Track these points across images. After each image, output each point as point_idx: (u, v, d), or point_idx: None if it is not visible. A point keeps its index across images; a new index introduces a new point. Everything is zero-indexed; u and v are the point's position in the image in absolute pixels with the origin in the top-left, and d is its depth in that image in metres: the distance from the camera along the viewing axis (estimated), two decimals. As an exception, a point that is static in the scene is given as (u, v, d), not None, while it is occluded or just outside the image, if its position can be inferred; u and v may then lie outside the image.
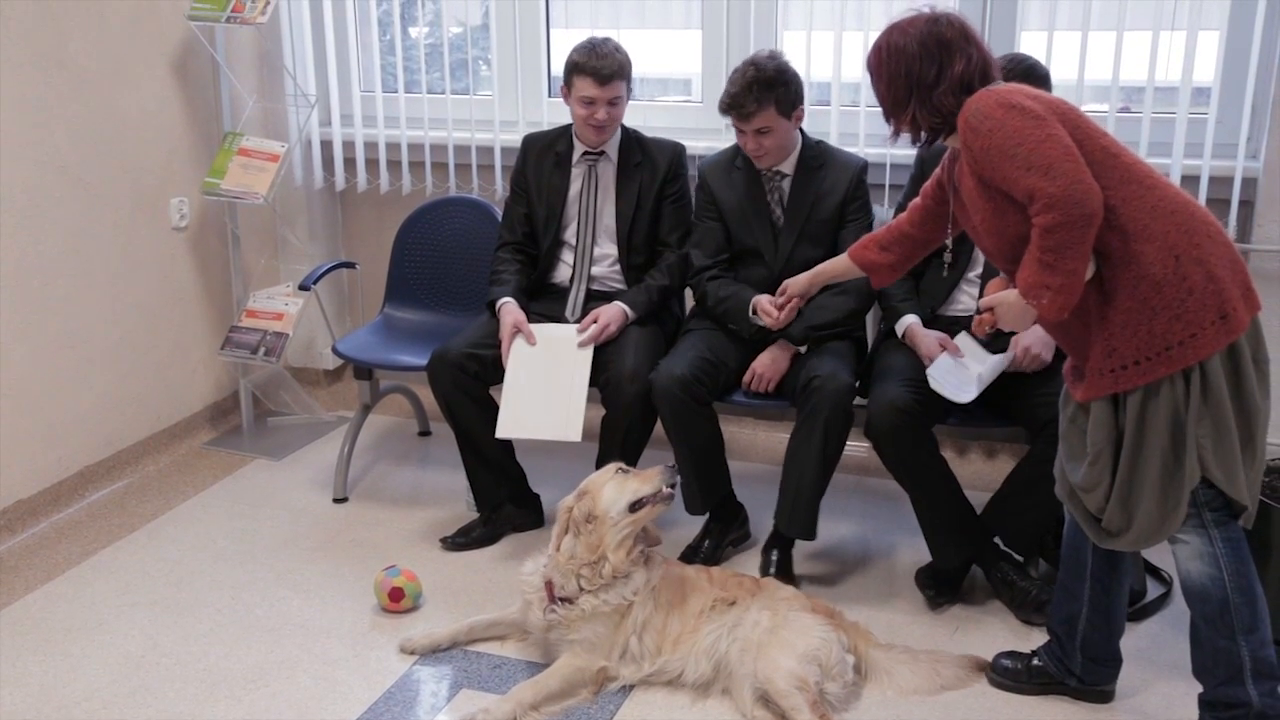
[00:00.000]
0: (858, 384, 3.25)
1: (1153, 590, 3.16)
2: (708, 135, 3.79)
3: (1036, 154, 2.20)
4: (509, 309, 3.40)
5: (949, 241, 2.69)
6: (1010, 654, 2.82)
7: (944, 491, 3.09)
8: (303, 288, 3.92)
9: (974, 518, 3.13)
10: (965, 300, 3.25)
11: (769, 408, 3.49)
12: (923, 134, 2.45)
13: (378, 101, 4.21)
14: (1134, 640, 2.89)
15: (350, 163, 4.31)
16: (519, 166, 3.59)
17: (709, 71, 3.95)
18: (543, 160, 3.54)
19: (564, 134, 3.53)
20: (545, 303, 3.54)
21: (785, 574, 3.20)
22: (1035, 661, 2.77)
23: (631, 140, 3.51)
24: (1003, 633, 3.02)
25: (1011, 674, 2.78)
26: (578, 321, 3.40)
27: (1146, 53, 3.42)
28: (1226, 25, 3.38)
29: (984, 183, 2.34)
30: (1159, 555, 3.20)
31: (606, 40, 3.38)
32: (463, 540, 3.48)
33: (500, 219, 3.72)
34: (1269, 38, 3.34)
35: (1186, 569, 2.40)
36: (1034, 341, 2.98)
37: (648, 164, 3.49)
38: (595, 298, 3.51)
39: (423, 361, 3.43)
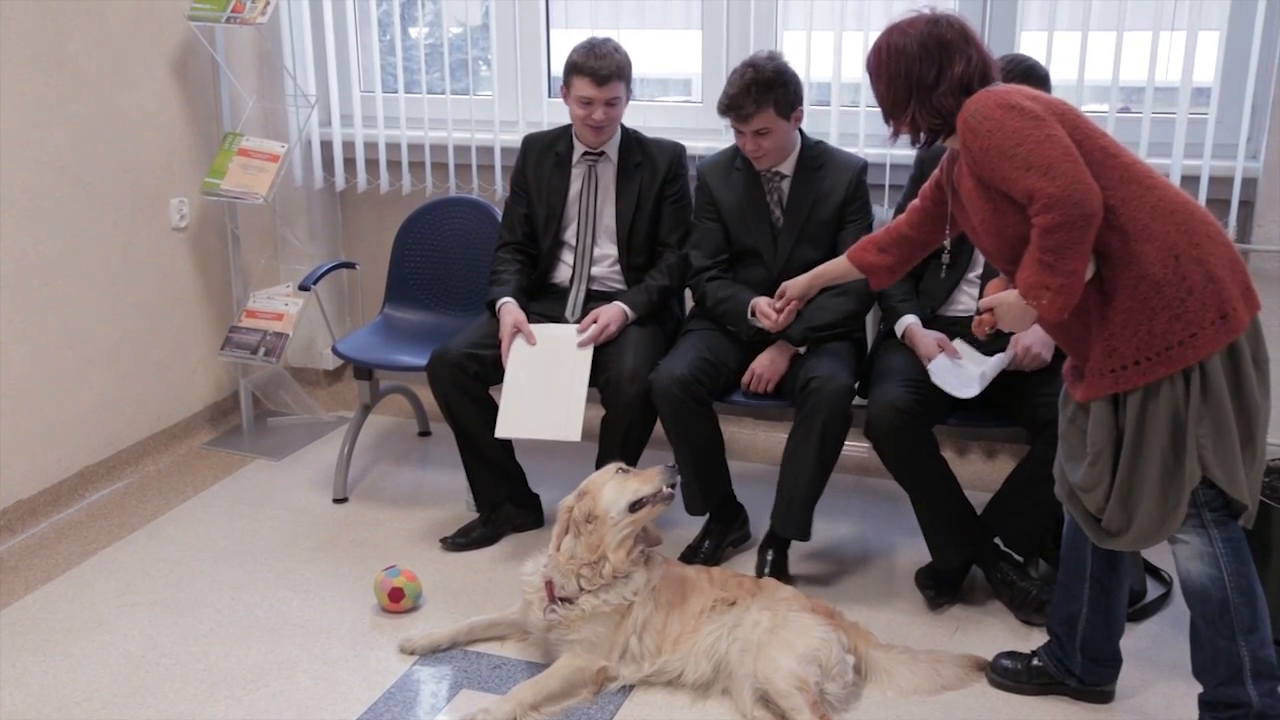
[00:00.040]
0: (857, 385, 3.25)
1: (1153, 590, 3.16)
2: (708, 135, 3.79)
3: (1036, 154, 2.20)
4: (509, 309, 3.40)
5: (947, 243, 2.69)
6: (1010, 654, 2.82)
7: (944, 492, 3.09)
8: (303, 288, 3.92)
9: (974, 518, 3.13)
10: (965, 301, 3.25)
11: (769, 408, 3.49)
12: (922, 135, 2.45)
13: (378, 102, 4.21)
14: (1134, 640, 2.89)
15: (350, 163, 4.31)
16: (519, 167, 3.59)
17: (709, 72, 3.95)
18: (543, 160, 3.54)
19: (564, 134, 3.53)
20: (545, 303, 3.54)
21: (780, 574, 3.20)
22: (1035, 662, 2.77)
23: (631, 140, 3.51)
24: (1002, 633, 3.02)
25: (1011, 674, 2.78)
26: (578, 322, 3.40)
27: (1146, 53, 3.42)
28: (1226, 25, 3.38)
29: (983, 183, 2.34)
30: (1159, 555, 3.20)
31: (606, 41, 3.38)
32: (463, 540, 3.48)
33: (500, 219, 3.72)
34: (1269, 38, 3.34)
35: (1186, 569, 2.40)
36: (1034, 341, 2.98)
37: (648, 164, 3.48)
38: (595, 298, 3.51)
39: (422, 362, 3.43)
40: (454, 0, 4.34)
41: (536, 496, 3.60)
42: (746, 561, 3.35)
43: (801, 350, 3.29)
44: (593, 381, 3.30)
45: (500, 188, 4.09)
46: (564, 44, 3.58)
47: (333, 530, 3.61)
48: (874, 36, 2.50)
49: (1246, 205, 3.43)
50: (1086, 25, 3.47)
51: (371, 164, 4.28)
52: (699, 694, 2.76)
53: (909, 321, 3.20)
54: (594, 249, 3.54)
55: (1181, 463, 2.28)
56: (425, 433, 4.35)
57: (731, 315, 3.30)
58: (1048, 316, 2.29)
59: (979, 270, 3.22)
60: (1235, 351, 2.26)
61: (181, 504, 3.79)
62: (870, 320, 3.56)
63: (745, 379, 3.29)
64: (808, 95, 3.45)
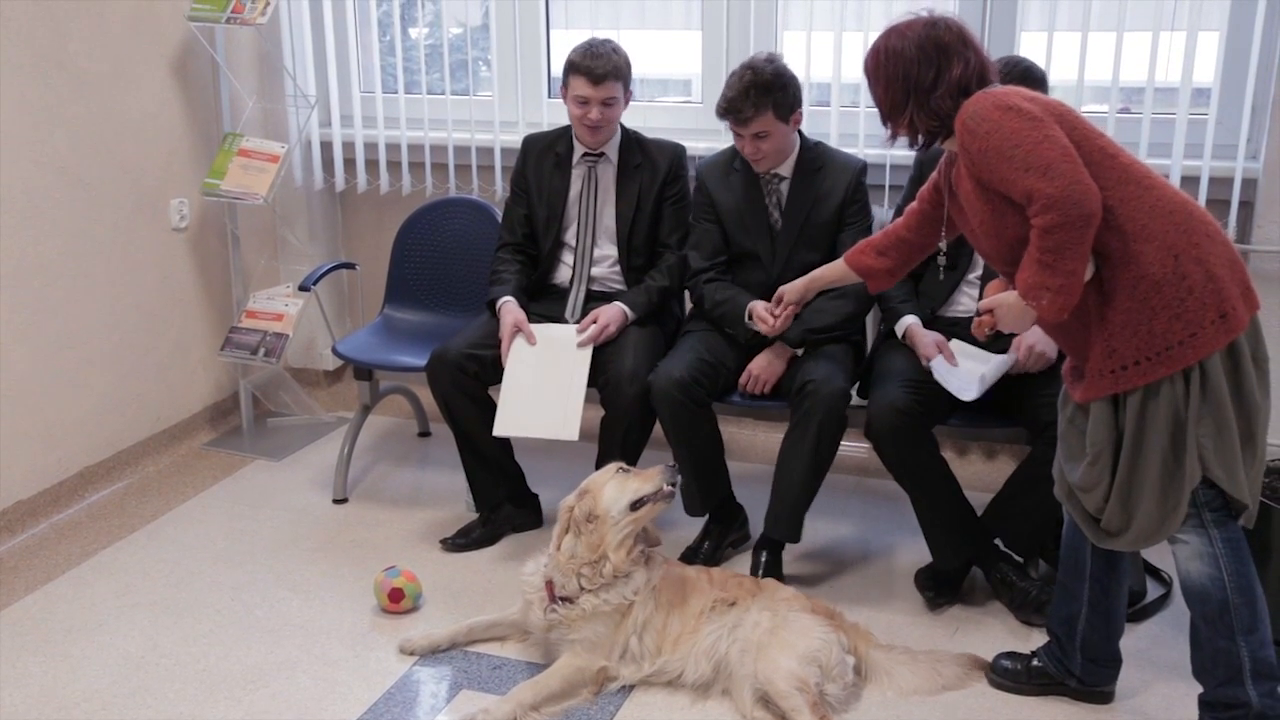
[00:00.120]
0: (856, 386, 3.25)
1: (1152, 591, 3.16)
2: (708, 136, 3.79)
3: (1034, 155, 2.20)
4: (509, 308, 3.40)
5: (943, 245, 2.69)
6: (1010, 655, 2.82)
7: (944, 492, 3.09)
8: (303, 288, 3.92)
9: (974, 518, 3.13)
10: (965, 302, 3.25)
11: (768, 408, 3.49)
12: (920, 137, 2.46)
13: (378, 102, 4.21)
14: (1134, 641, 2.89)
15: (350, 163, 4.31)
16: (519, 167, 3.59)
17: (709, 72, 3.95)
18: (543, 161, 3.54)
19: (564, 135, 3.53)
20: (545, 303, 3.54)
21: (775, 574, 3.19)
22: (1035, 662, 2.77)
23: (631, 141, 3.51)
24: (1002, 633, 3.02)
25: (1011, 675, 2.78)
26: (577, 322, 3.40)
27: (1146, 53, 3.42)
28: (1226, 26, 3.38)
29: (982, 185, 2.34)
30: (1159, 555, 3.20)
31: (605, 41, 3.38)
32: (462, 541, 3.48)
33: (500, 220, 3.72)
34: (1269, 38, 3.34)
35: (1186, 569, 2.40)
36: (1037, 339, 2.98)
37: (648, 165, 3.48)
38: (595, 298, 3.51)
39: (422, 362, 3.43)
40: (454, 0, 4.34)
41: (536, 497, 3.60)
42: (746, 562, 3.34)
43: (799, 352, 3.29)
44: (592, 382, 3.30)
45: (500, 188, 4.09)
46: (564, 44, 3.58)
47: (333, 531, 3.61)
48: (874, 37, 2.50)
49: (1246, 206, 3.43)
50: (1086, 26, 3.47)
51: (371, 164, 4.28)
52: (699, 694, 2.75)
53: (909, 322, 3.20)
54: (594, 250, 3.54)
55: (1181, 463, 2.28)
56: (425, 433, 4.35)
57: (729, 318, 3.30)
58: (1047, 317, 2.29)
59: (979, 271, 3.22)
60: (1235, 351, 2.26)
61: (181, 504, 3.79)
62: (870, 321, 3.56)
63: (742, 380, 3.28)
64: (807, 96, 3.45)
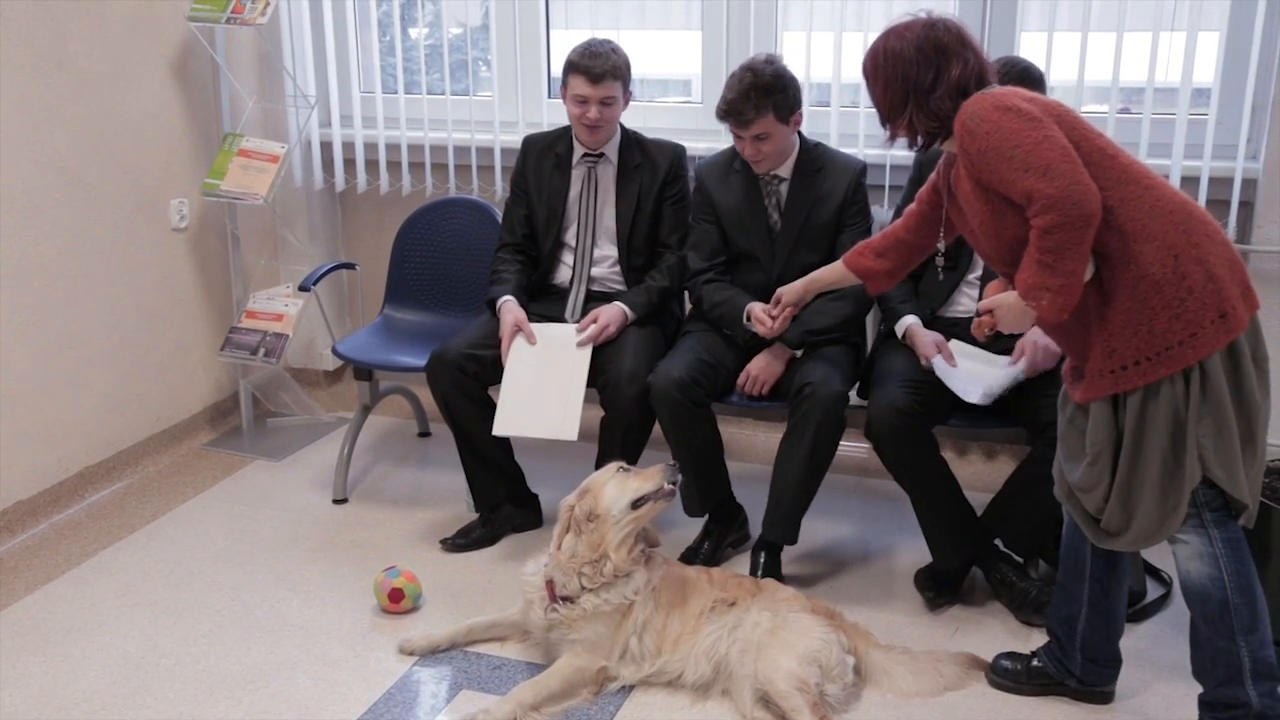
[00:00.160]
0: (856, 386, 3.25)
1: (1152, 591, 3.16)
2: (708, 136, 3.79)
3: (1034, 155, 2.20)
4: (509, 307, 3.40)
5: (941, 246, 2.69)
6: (1010, 655, 2.82)
7: (944, 492, 3.09)
8: (303, 289, 3.92)
9: (974, 519, 3.13)
10: (965, 302, 3.25)
11: (768, 408, 3.49)
12: (919, 138, 2.46)
13: (377, 102, 4.21)
14: (1134, 641, 2.89)
15: (350, 164, 4.31)
16: (519, 168, 3.59)
17: (709, 72, 3.95)
18: (543, 161, 3.54)
19: (564, 135, 3.53)
20: (545, 303, 3.54)
21: (774, 575, 3.19)
22: (1035, 662, 2.77)
23: (631, 141, 3.51)
24: (1002, 634, 3.02)
25: (1011, 675, 2.78)
26: (577, 322, 3.40)
27: (1146, 54, 3.42)
28: (1226, 26, 3.38)
29: (982, 186, 2.34)
30: (1159, 556, 3.20)
31: (605, 41, 3.38)
32: (462, 541, 3.48)
33: (500, 220, 3.72)
34: (1269, 38, 3.34)
35: (1186, 569, 2.41)
36: (1039, 336, 2.98)
37: (648, 165, 3.48)
38: (595, 299, 3.51)
39: (422, 362, 3.43)
40: (454, 1, 4.34)
41: (535, 497, 3.60)
42: (746, 562, 3.34)
43: (798, 353, 3.29)
44: (591, 382, 3.30)
45: (500, 188, 4.09)
46: (564, 45, 3.58)
47: (332, 531, 3.61)
48: (873, 37, 2.50)
49: (1246, 206, 3.43)
50: (1086, 26, 3.47)
51: (371, 165, 4.28)
52: (699, 695, 2.75)
53: (909, 322, 3.19)
54: (594, 250, 3.54)
55: (1181, 463, 2.28)
56: (425, 433, 4.35)
57: (727, 320, 3.30)
58: (1047, 317, 2.29)
59: (979, 272, 3.22)
60: (1235, 350, 2.26)
61: (181, 505, 3.79)
62: (870, 322, 3.56)
63: (740, 381, 3.28)
64: (807, 96, 3.44)
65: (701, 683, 2.75)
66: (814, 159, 3.33)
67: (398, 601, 3.10)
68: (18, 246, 3.51)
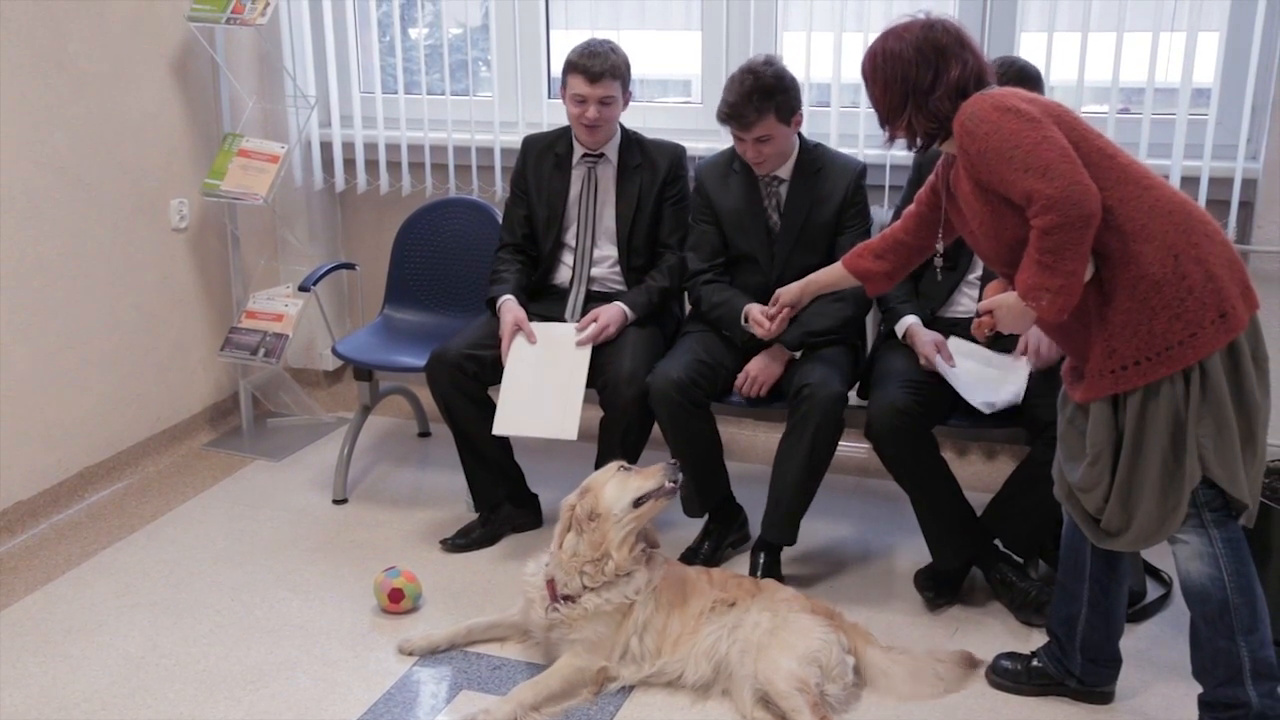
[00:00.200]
0: (856, 386, 3.24)
1: (1152, 591, 3.16)
2: (708, 137, 3.79)
3: (1033, 156, 2.20)
4: (509, 306, 3.40)
5: (940, 247, 2.69)
6: (1010, 655, 2.82)
7: (944, 492, 3.09)
8: (302, 289, 3.92)
9: (974, 519, 3.13)
10: (965, 302, 3.25)
11: (767, 409, 3.49)
12: (918, 139, 2.46)
13: (377, 103, 4.21)
14: (1134, 641, 2.89)
15: (350, 164, 4.31)
16: (519, 168, 3.59)
17: (709, 73, 3.95)
18: (542, 162, 3.54)
19: (564, 135, 3.53)
20: (545, 304, 3.54)
21: (774, 575, 3.19)
22: (1035, 663, 2.77)
23: (631, 142, 3.51)
24: (1002, 634, 3.01)
25: (1011, 675, 2.78)
26: (577, 322, 3.40)
27: (1146, 54, 3.42)
28: (1226, 26, 3.38)
29: (981, 187, 2.35)
30: (1159, 556, 3.20)
31: (604, 41, 3.38)
32: (462, 541, 3.48)
33: (500, 220, 3.72)
34: (1269, 38, 3.34)
35: (1186, 569, 2.41)
36: (1040, 340, 2.98)
37: (647, 166, 3.48)
38: (595, 299, 3.51)
39: (422, 362, 3.43)
40: (454, 1, 4.34)
41: (535, 497, 3.60)
42: (746, 562, 3.34)
43: (797, 355, 3.28)
44: (591, 383, 3.30)
45: (500, 189, 4.09)
46: (564, 45, 3.58)
47: (332, 531, 3.61)
48: (873, 38, 2.50)
49: (1246, 206, 3.44)
50: (1086, 26, 3.47)
51: (371, 165, 4.28)
52: (699, 695, 2.75)
53: (910, 322, 3.19)
54: (594, 250, 3.54)
55: (1181, 463, 2.28)
56: (425, 433, 4.35)
57: (726, 321, 3.30)
58: (1047, 318, 2.29)
59: (979, 272, 3.22)
60: (1235, 350, 2.26)
61: (181, 505, 3.79)
62: (870, 322, 3.56)
63: (738, 381, 3.28)
64: (807, 96, 3.44)
65: (701, 683, 2.75)
66: (814, 160, 3.32)
67: (398, 602, 3.10)
68: (18, 246, 3.51)
